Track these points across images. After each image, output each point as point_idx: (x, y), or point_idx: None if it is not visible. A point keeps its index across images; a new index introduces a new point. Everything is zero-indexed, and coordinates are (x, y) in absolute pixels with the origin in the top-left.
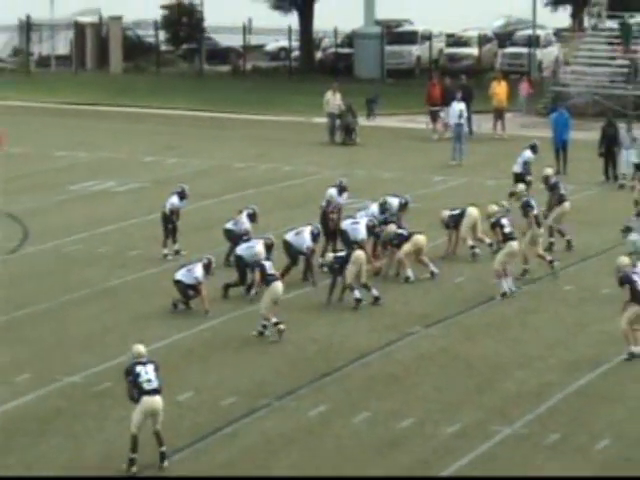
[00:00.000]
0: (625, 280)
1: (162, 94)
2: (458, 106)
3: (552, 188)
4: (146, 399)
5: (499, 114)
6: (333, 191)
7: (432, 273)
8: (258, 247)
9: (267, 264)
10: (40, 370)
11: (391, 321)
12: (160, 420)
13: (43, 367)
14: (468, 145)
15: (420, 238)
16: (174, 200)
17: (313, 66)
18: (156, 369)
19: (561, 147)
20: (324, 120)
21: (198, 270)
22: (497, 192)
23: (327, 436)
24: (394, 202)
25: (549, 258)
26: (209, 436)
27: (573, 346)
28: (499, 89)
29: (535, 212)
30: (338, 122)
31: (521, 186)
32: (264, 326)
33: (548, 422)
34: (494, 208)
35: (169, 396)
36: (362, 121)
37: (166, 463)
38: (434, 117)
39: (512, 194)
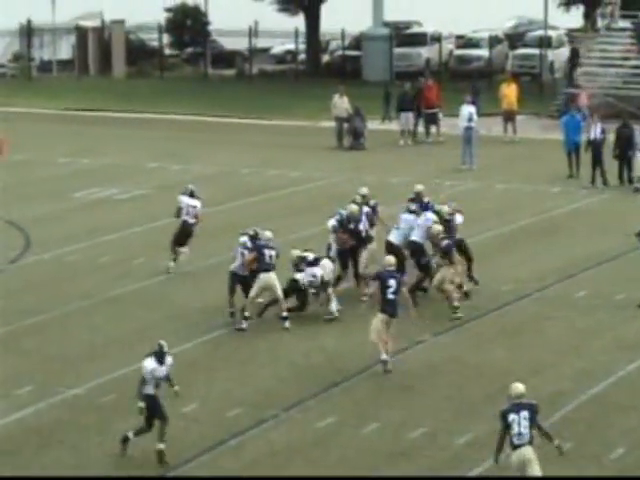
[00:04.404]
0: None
1: (166, 99)
2: (467, 109)
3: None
4: (515, 453)
5: (509, 116)
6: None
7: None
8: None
9: (267, 252)
10: (42, 382)
11: (400, 329)
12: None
13: (45, 379)
14: (478, 149)
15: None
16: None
17: (320, 69)
18: (531, 415)
19: (573, 150)
20: (332, 124)
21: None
22: (507, 195)
23: (335, 448)
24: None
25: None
26: (214, 448)
27: (586, 353)
28: (508, 91)
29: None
30: (346, 126)
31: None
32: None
33: (561, 431)
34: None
35: (174, 408)
36: (371, 125)
37: None
38: (431, 120)
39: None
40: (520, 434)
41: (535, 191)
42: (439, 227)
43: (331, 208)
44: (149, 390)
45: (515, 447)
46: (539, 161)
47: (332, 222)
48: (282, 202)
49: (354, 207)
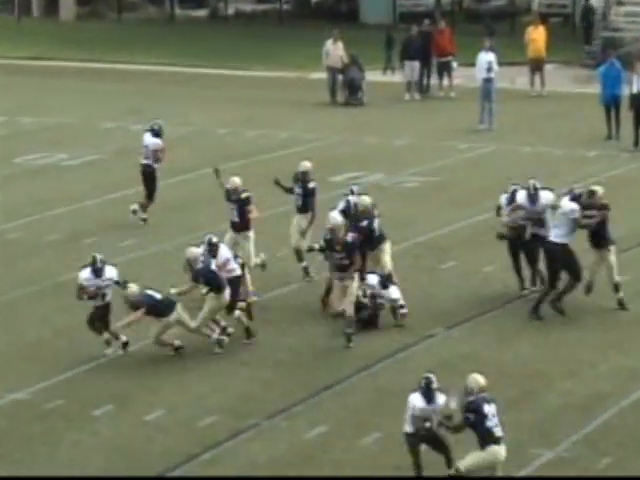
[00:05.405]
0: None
1: (125, 45)
2: (486, 57)
3: None
4: (496, 449)
5: (536, 66)
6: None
7: None
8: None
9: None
10: None
11: (406, 321)
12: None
13: None
14: (499, 105)
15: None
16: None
17: (310, 10)
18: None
19: (613, 105)
20: (324, 76)
21: None
22: (534, 160)
23: (327, 462)
24: None
25: None
26: (183, 464)
27: (629, 349)
28: (536, 35)
29: None
30: (341, 78)
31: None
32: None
33: (599, 443)
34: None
35: (136, 415)
36: (371, 76)
37: None
38: (444, 69)
39: None
40: (497, 425)
41: (567, 155)
42: (339, 217)
43: (323, 175)
44: (427, 424)
45: (496, 440)
46: (572, 119)
47: (337, 218)
48: (266, 168)
49: (366, 200)
